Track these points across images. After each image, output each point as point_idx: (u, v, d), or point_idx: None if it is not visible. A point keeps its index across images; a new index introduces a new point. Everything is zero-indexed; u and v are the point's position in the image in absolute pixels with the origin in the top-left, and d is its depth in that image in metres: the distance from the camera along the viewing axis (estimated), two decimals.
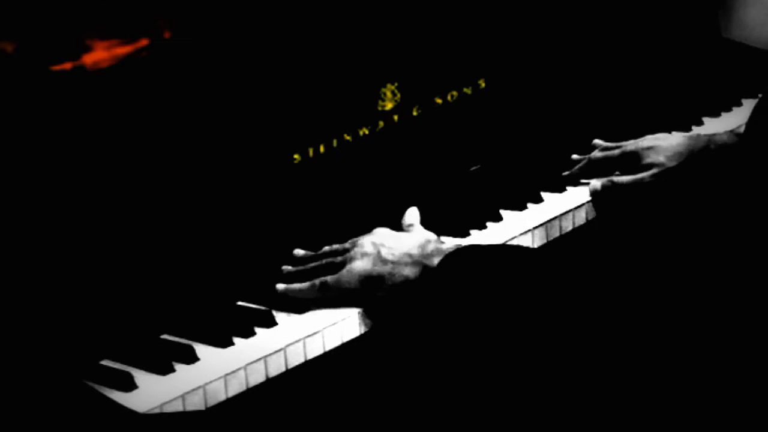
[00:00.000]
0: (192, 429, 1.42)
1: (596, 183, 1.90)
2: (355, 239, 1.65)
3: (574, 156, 2.01)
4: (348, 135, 1.87)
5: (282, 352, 1.52)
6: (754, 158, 1.35)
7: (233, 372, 1.47)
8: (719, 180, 1.83)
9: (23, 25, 1.58)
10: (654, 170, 1.87)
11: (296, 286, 1.62)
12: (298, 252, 1.71)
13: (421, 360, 1.71)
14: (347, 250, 1.64)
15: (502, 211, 1.87)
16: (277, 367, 1.52)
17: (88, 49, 1.63)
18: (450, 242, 1.61)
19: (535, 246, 1.83)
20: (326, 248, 1.69)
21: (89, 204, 1.60)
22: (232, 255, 1.71)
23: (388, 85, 1.92)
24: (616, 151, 1.93)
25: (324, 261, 1.65)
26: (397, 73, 1.94)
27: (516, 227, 1.82)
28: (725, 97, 2.33)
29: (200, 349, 1.53)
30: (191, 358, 1.50)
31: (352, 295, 1.60)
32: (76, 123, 1.60)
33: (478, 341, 1.54)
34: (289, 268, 1.68)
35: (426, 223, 1.81)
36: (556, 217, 1.86)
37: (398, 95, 1.94)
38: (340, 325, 1.58)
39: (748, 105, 2.31)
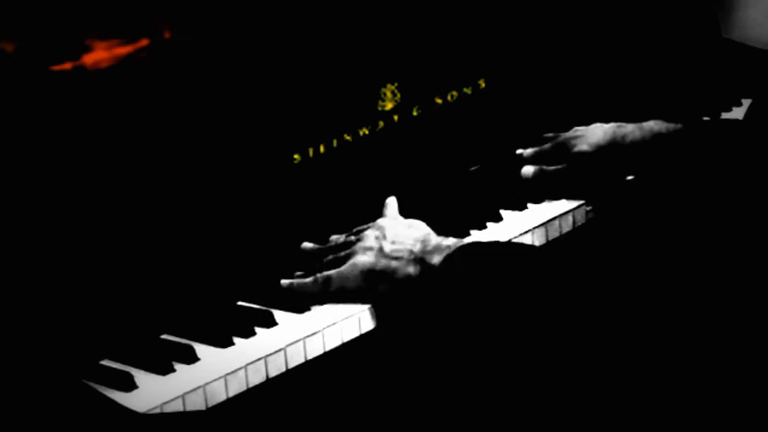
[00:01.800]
0: (192, 429, 1.42)
1: (528, 169, 1.93)
2: (359, 228, 1.67)
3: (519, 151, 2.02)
4: (348, 135, 1.87)
5: (282, 352, 1.52)
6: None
7: (233, 372, 1.47)
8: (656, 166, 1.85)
9: (23, 25, 1.58)
10: (574, 161, 1.89)
11: (299, 281, 1.63)
12: (306, 245, 1.72)
13: (423, 358, 1.71)
14: (351, 243, 1.64)
15: (502, 211, 1.87)
16: (277, 367, 1.52)
17: (88, 49, 1.63)
18: (450, 240, 1.61)
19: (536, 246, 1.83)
20: (333, 237, 1.70)
21: (89, 204, 1.60)
22: (232, 255, 1.71)
23: (388, 85, 1.92)
24: (548, 144, 1.96)
25: (330, 256, 1.65)
26: (397, 73, 1.93)
27: (516, 227, 1.82)
28: (725, 97, 2.32)
29: (200, 349, 1.53)
30: (191, 358, 1.50)
31: (355, 291, 1.61)
32: (76, 123, 1.60)
33: (479, 339, 1.55)
34: (298, 274, 1.69)
35: (426, 223, 1.81)
36: (555, 218, 1.86)
37: (398, 95, 1.94)
38: (339, 325, 1.58)
39: (748, 105, 2.30)
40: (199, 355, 1.51)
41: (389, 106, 1.93)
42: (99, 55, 1.64)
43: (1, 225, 1.53)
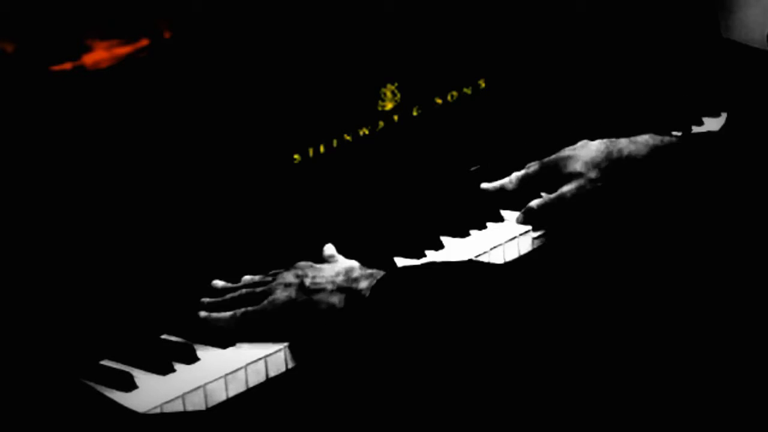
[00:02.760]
0: (192, 429, 1.42)
1: (533, 204, 1.85)
2: (276, 271, 1.60)
3: (484, 185, 1.94)
4: (348, 135, 1.87)
5: (282, 351, 1.52)
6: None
7: (233, 372, 1.47)
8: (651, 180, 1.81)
9: (23, 25, 1.58)
10: (573, 183, 1.83)
11: (217, 315, 1.56)
12: (217, 283, 1.64)
13: (348, 389, 1.65)
14: (268, 282, 1.58)
15: (502, 212, 1.87)
16: (277, 367, 1.52)
17: (88, 49, 1.63)
18: (374, 270, 1.55)
19: (535, 246, 1.83)
20: (246, 278, 1.63)
21: (89, 204, 1.60)
22: (233, 254, 1.71)
23: (388, 85, 1.92)
24: (535, 167, 1.89)
25: (244, 291, 1.59)
26: (397, 73, 1.94)
27: (516, 227, 1.82)
28: (725, 97, 2.32)
29: (200, 349, 1.53)
30: (191, 358, 1.50)
31: (276, 327, 1.54)
32: (76, 123, 1.60)
33: (410, 365, 1.49)
34: (209, 300, 1.61)
35: (425, 223, 1.81)
36: None
37: (398, 95, 1.94)
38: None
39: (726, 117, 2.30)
40: (199, 355, 1.51)
41: (389, 106, 1.93)
42: (99, 55, 1.64)
43: (1, 225, 1.53)
